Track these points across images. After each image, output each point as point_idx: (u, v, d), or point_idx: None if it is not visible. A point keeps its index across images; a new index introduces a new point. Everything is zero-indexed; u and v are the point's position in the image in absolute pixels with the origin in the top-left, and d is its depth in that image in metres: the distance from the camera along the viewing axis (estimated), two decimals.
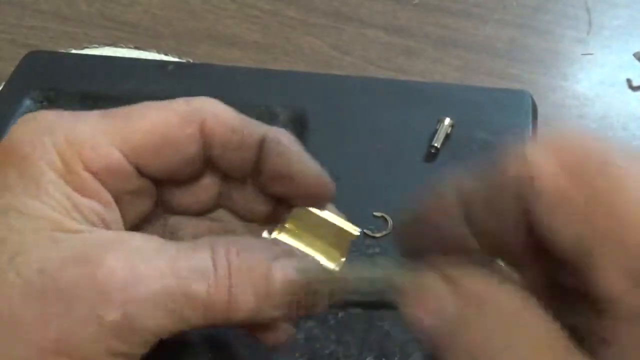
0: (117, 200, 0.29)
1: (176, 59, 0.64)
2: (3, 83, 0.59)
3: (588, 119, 0.61)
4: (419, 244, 0.25)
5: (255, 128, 0.30)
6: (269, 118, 0.54)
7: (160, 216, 0.33)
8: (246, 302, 0.27)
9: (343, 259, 0.32)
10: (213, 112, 0.30)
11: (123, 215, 0.30)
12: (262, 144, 0.30)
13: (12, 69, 0.60)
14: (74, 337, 0.25)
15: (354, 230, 0.31)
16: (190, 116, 0.29)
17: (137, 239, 0.27)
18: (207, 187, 0.33)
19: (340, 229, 0.31)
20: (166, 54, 0.65)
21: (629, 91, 0.63)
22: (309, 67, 0.65)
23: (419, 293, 0.24)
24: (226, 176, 0.33)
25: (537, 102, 0.55)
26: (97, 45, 0.66)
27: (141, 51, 0.65)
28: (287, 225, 0.32)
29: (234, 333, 0.41)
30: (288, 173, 0.31)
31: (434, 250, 0.24)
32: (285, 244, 0.31)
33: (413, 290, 0.24)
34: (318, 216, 0.31)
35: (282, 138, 0.31)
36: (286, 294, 0.27)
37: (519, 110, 0.54)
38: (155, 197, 0.31)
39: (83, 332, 0.25)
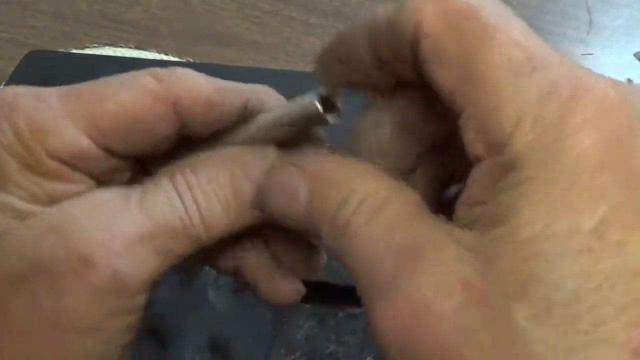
0: (92, 178, 0.28)
1: (176, 59, 0.64)
2: (3, 83, 0.59)
3: None
4: (335, 70, 0.27)
5: (235, 96, 0.28)
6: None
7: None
8: (218, 214, 0.27)
9: None
10: (187, 87, 0.27)
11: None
12: (244, 112, 0.28)
13: (12, 69, 0.60)
14: (70, 311, 0.24)
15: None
16: (162, 94, 0.27)
17: (101, 194, 0.27)
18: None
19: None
20: (166, 54, 0.65)
21: None
22: (309, 67, 0.65)
23: (278, 186, 0.26)
24: None
25: None
26: (97, 45, 0.66)
27: (141, 51, 0.65)
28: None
29: (234, 333, 0.41)
30: None
31: (345, 74, 0.26)
32: None
33: (271, 181, 0.26)
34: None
35: (267, 100, 0.29)
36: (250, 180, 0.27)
37: None
38: (134, 168, 0.30)
39: (78, 304, 0.24)
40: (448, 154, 0.27)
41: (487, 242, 0.20)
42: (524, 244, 0.19)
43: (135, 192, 0.27)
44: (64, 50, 0.65)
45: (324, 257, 0.31)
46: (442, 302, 0.20)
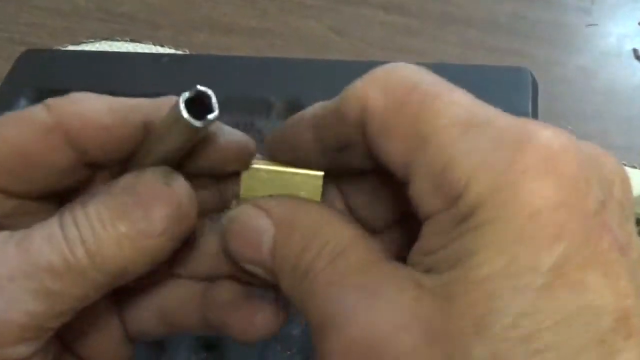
0: None
1: (172, 50, 0.64)
2: (0, 81, 0.59)
3: (592, 93, 0.59)
4: (281, 153, 0.27)
5: (133, 115, 0.26)
6: (265, 107, 0.54)
7: None
8: (108, 247, 0.24)
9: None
10: (76, 112, 0.25)
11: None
12: (147, 130, 0.26)
13: (9, 67, 0.60)
14: None
15: (317, 172, 0.27)
16: (51, 125, 0.25)
17: None
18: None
19: (303, 176, 0.27)
20: (162, 45, 0.65)
21: (635, 62, 0.61)
22: (306, 51, 0.64)
23: (239, 225, 0.26)
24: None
25: (540, 77, 0.54)
26: (93, 40, 0.66)
27: (137, 43, 0.65)
28: (241, 197, 0.28)
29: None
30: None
31: (292, 159, 0.27)
32: None
33: (235, 224, 0.26)
34: (272, 172, 0.27)
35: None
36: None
37: (518, 87, 0.52)
38: (44, 210, 0.28)
39: None
40: (407, 225, 0.27)
41: (445, 284, 0.20)
42: (480, 283, 0.19)
43: (20, 232, 0.25)
44: (61, 48, 0.65)
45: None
46: (401, 339, 0.20)
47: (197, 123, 0.23)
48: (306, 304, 0.23)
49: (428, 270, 0.21)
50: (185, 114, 0.23)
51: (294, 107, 0.54)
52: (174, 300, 0.30)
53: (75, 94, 0.26)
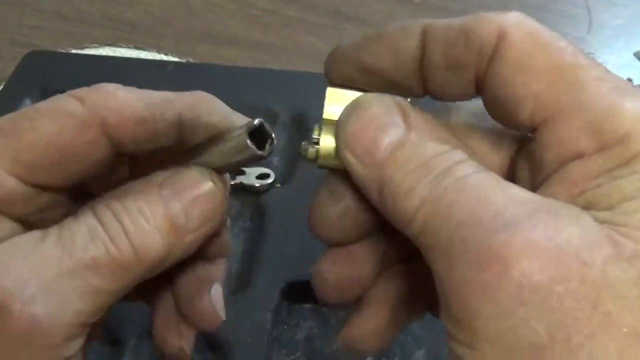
0: (19, 220, 0.26)
1: (176, 59, 0.64)
2: (3, 83, 0.59)
3: None
4: (358, 67, 0.25)
5: (166, 109, 0.26)
6: (269, 118, 0.54)
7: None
8: (151, 239, 0.25)
9: None
10: (113, 107, 0.25)
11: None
12: (179, 124, 0.26)
13: (12, 68, 0.60)
14: None
15: (403, 98, 0.26)
16: (88, 118, 0.25)
17: (15, 238, 0.24)
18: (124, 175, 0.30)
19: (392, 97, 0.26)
20: (166, 54, 0.65)
21: None
22: (309, 66, 0.65)
23: (372, 111, 0.24)
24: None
25: None
26: (97, 45, 0.66)
27: (141, 51, 0.65)
28: (324, 119, 0.26)
29: (233, 333, 0.41)
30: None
31: (370, 76, 0.25)
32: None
33: (368, 108, 0.24)
34: (356, 93, 0.26)
35: (201, 109, 0.26)
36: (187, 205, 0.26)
37: None
38: (71, 201, 0.28)
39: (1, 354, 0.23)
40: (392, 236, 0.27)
41: (626, 214, 0.20)
42: None
43: (53, 229, 0.24)
44: (64, 51, 0.65)
45: (223, 314, 0.30)
46: (591, 253, 0.20)
47: (261, 152, 0.25)
48: (448, 201, 0.22)
49: (587, 206, 0.21)
50: (251, 145, 0.25)
51: (299, 119, 0.55)
52: None
53: (106, 85, 0.26)
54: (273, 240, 0.47)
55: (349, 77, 0.26)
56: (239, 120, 0.27)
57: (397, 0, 0.71)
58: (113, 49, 0.66)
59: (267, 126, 0.26)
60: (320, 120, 0.26)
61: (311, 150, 0.26)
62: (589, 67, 0.22)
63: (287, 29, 0.69)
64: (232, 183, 0.50)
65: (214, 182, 0.26)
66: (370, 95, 0.25)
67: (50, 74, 0.59)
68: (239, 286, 0.44)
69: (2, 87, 0.59)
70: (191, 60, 0.64)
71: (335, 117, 0.26)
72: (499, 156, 0.26)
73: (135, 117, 0.25)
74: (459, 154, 0.23)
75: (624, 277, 0.19)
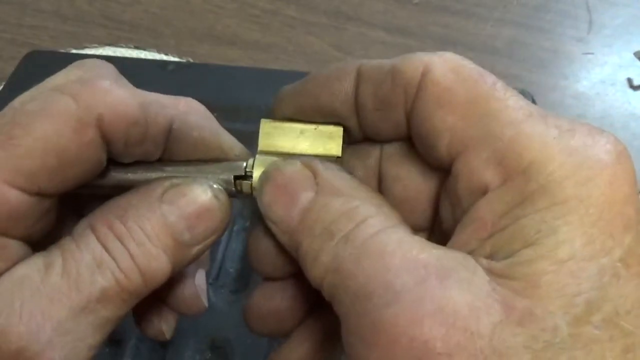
0: (24, 235, 0.25)
1: (176, 59, 0.64)
2: (3, 83, 0.59)
3: (588, 118, 0.61)
4: (299, 107, 0.26)
5: (159, 114, 0.25)
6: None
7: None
8: (158, 260, 0.24)
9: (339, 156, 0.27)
10: (109, 105, 0.24)
11: (31, 235, 0.25)
12: (169, 132, 0.26)
13: (12, 68, 0.60)
14: None
15: (337, 126, 0.26)
16: (84, 118, 0.23)
17: (18, 271, 0.23)
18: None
19: (324, 129, 0.27)
20: (166, 54, 0.65)
21: (630, 90, 0.63)
22: (309, 67, 0.65)
23: (282, 177, 0.25)
24: None
25: (537, 102, 0.55)
26: (97, 45, 0.66)
27: (141, 50, 0.65)
28: (259, 150, 0.27)
29: (234, 333, 0.40)
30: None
31: (309, 115, 0.26)
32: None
33: (279, 174, 0.25)
34: (291, 125, 0.27)
35: (193, 121, 0.26)
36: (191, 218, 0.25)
37: None
38: (58, 205, 0.27)
39: None
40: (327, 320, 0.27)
41: (523, 264, 0.20)
42: (566, 262, 0.19)
43: (56, 257, 0.24)
44: (64, 51, 0.65)
45: (206, 300, 0.30)
46: (479, 321, 0.19)
47: (239, 195, 0.27)
48: (345, 271, 0.21)
49: (492, 254, 0.21)
50: (233, 188, 0.27)
51: None
52: None
53: (100, 81, 0.25)
54: None
55: (291, 117, 0.26)
56: (227, 140, 0.27)
57: (397, 0, 0.71)
58: (113, 49, 0.66)
59: (252, 172, 0.26)
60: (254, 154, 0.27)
61: (246, 184, 0.26)
62: (504, 98, 0.22)
63: (287, 29, 0.69)
64: None
65: (216, 196, 0.26)
66: (280, 162, 0.25)
67: (50, 74, 0.59)
68: (239, 286, 0.44)
69: (2, 87, 0.59)
70: (191, 60, 0.64)
71: (270, 149, 0.26)
72: (429, 185, 0.26)
73: (129, 116, 0.24)
74: (365, 210, 0.23)
75: (514, 341, 0.19)
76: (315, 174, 0.25)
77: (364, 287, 0.21)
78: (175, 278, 0.29)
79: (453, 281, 0.20)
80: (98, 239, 0.24)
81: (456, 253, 0.21)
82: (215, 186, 0.26)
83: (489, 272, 0.20)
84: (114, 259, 0.24)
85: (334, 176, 0.25)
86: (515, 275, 0.20)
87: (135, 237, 0.24)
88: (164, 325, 0.29)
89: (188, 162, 0.27)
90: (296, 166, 0.25)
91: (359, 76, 0.25)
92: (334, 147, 0.27)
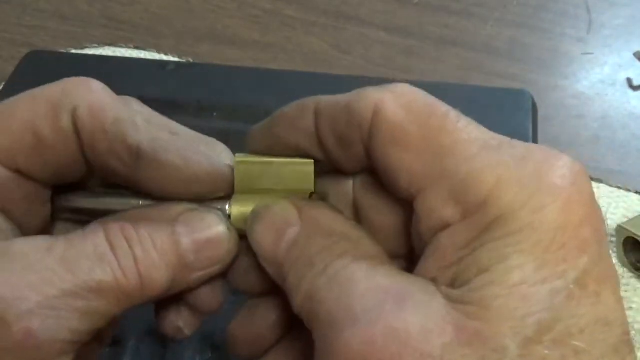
0: (5, 210, 0.26)
1: (176, 59, 0.64)
2: (3, 83, 0.59)
3: (588, 119, 0.61)
4: (269, 145, 0.27)
5: (129, 135, 0.25)
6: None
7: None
8: (159, 273, 0.25)
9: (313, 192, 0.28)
10: (88, 102, 0.25)
11: (22, 224, 0.27)
12: (137, 155, 0.25)
13: (12, 68, 0.60)
14: None
15: (307, 160, 0.27)
16: (61, 104, 0.25)
17: (19, 244, 0.24)
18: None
19: (294, 164, 0.27)
20: (166, 54, 0.65)
21: (630, 90, 0.63)
22: (309, 67, 0.65)
23: (270, 216, 0.26)
24: None
25: (537, 102, 0.55)
26: (97, 45, 0.66)
27: (141, 50, 0.65)
28: (236, 191, 0.28)
29: None
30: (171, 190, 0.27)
31: (280, 152, 0.27)
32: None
33: (267, 213, 0.26)
34: (262, 163, 0.27)
35: (160, 146, 0.26)
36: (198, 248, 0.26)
37: (519, 109, 0.54)
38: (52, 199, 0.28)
39: None
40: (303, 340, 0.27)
41: (476, 289, 0.20)
42: (517, 286, 0.20)
43: (59, 242, 0.24)
44: (64, 51, 0.65)
45: (222, 294, 0.30)
46: (430, 342, 0.20)
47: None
48: (318, 298, 0.22)
49: (452, 282, 0.21)
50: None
51: None
52: None
53: (95, 83, 0.26)
54: None
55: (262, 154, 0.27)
56: (203, 165, 0.26)
57: (397, 0, 0.71)
58: (113, 49, 0.66)
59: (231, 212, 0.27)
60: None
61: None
62: (457, 131, 0.23)
63: (287, 29, 0.69)
64: None
65: (228, 229, 0.27)
66: (268, 202, 0.26)
67: (50, 74, 0.58)
68: None
69: (2, 87, 0.59)
70: (191, 60, 0.64)
71: (245, 189, 0.27)
72: (400, 214, 0.26)
73: (99, 121, 0.25)
74: (345, 244, 0.24)
75: None
76: (300, 211, 0.26)
77: (330, 313, 0.22)
78: None
79: (410, 305, 0.21)
80: (107, 236, 0.25)
81: (419, 279, 0.22)
82: (227, 220, 0.27)
83: (447, 298, 0.21)
84: (117, 257, 0.24)
85: (320, 212, 0.26)
86: (469, 301, 0.20)
87: (144, 244, 0.25)
88: (181, 322, 0.30)
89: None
90: (284, 206, 0.26)
91: (317, 113, 0.25)
92: (307, 182, 0.27)
